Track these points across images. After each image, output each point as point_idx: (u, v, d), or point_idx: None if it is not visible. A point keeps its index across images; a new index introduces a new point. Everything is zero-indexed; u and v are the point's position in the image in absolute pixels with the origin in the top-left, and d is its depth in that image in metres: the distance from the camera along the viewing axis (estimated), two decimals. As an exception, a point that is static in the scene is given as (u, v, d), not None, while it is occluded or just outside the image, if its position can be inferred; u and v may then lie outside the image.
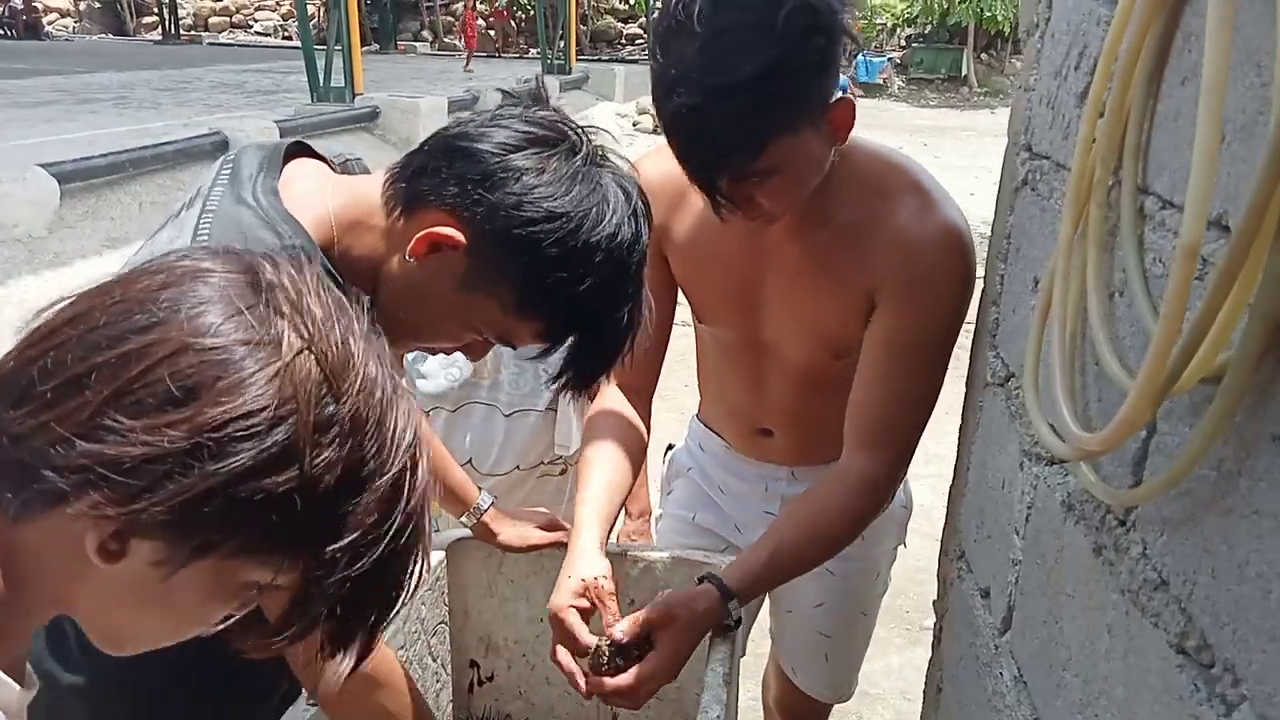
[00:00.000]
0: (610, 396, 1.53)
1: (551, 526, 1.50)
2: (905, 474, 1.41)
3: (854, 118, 1.20)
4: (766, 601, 1.85)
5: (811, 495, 1.38)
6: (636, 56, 21.90)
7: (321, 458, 0.57)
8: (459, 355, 1.93)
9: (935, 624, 1.47)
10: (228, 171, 1.01)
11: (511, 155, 0.92)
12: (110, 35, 27.85)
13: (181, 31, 26.89)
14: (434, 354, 1.27)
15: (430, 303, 0.93)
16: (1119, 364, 0.77)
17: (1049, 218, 1.04)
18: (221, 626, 0.64)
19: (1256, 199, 0.49)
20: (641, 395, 1.56)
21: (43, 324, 0.60)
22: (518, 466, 1.89)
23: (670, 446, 2.00)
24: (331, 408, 0.58)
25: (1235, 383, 0.56)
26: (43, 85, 12.52)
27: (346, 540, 0.59)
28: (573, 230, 0.91)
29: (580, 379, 1.02)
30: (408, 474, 0.62)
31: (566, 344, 1.00)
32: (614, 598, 1.29)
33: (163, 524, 0.55)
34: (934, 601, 1.49)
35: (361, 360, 0.61)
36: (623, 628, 1.24)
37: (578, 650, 1.26)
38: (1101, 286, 0.83)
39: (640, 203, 0.98)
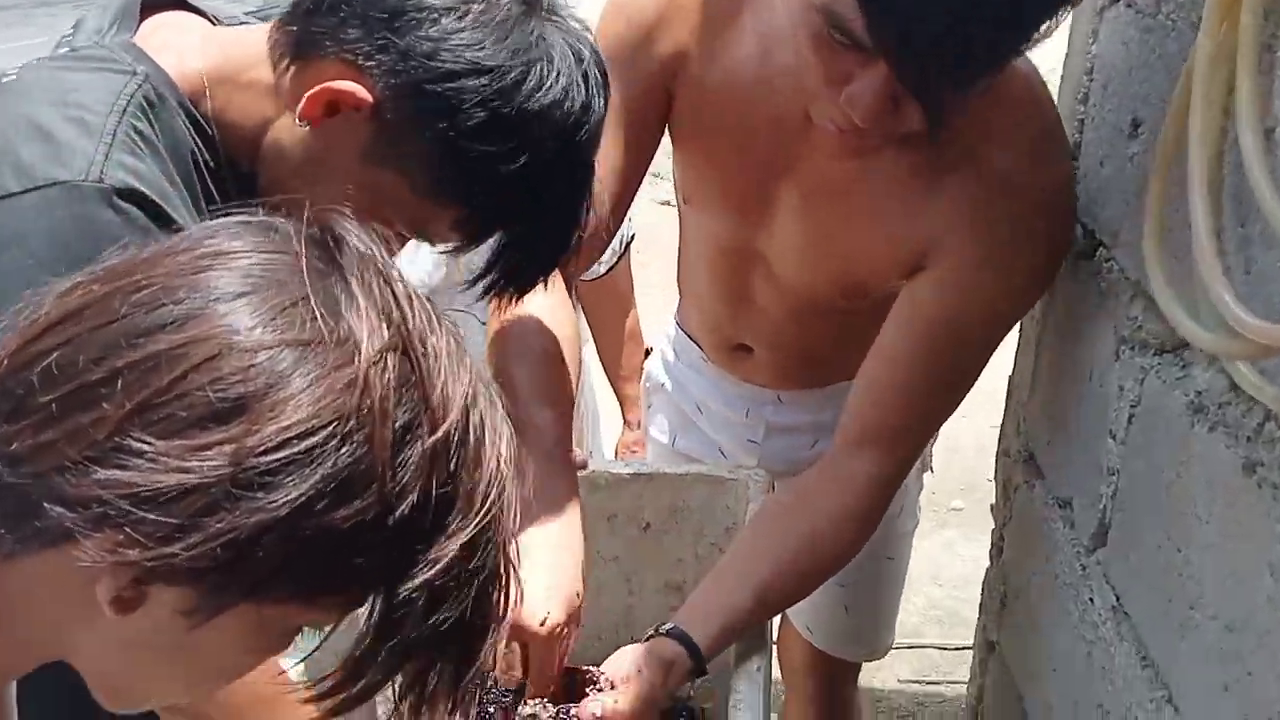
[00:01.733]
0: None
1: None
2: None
3: None
4: None
5: (806, 505, 1.01)
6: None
7: (400, 483, 0.46)
8: (423, 252, 1.72)
9: (994, 531, 1.30)
10: (70, 33, 0.79)
11: None
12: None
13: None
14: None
15: (326, 181, 0.72)
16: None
17: (1155, 38, 0.81)
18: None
19: None
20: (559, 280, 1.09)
21: (43, 314, 0.47)
22: None
23: (648, 351, 1.75)
24: (414, 421, 0.47)
25: None
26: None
27: (424, 578, 0.47)
28: (504, 90, 0.71)
29: (508, 283, 0.82)
30: (500, 497, 0.50)
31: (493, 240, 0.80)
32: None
33: (197, 569, 0.44)
34: (991, 506, 1.32)
35: (449, 359, 0.49)
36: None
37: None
38: (1255, 119, 0.62)
39: (596, 69, 0.76)
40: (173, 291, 0.46)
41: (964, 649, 2.69)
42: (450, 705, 0.53)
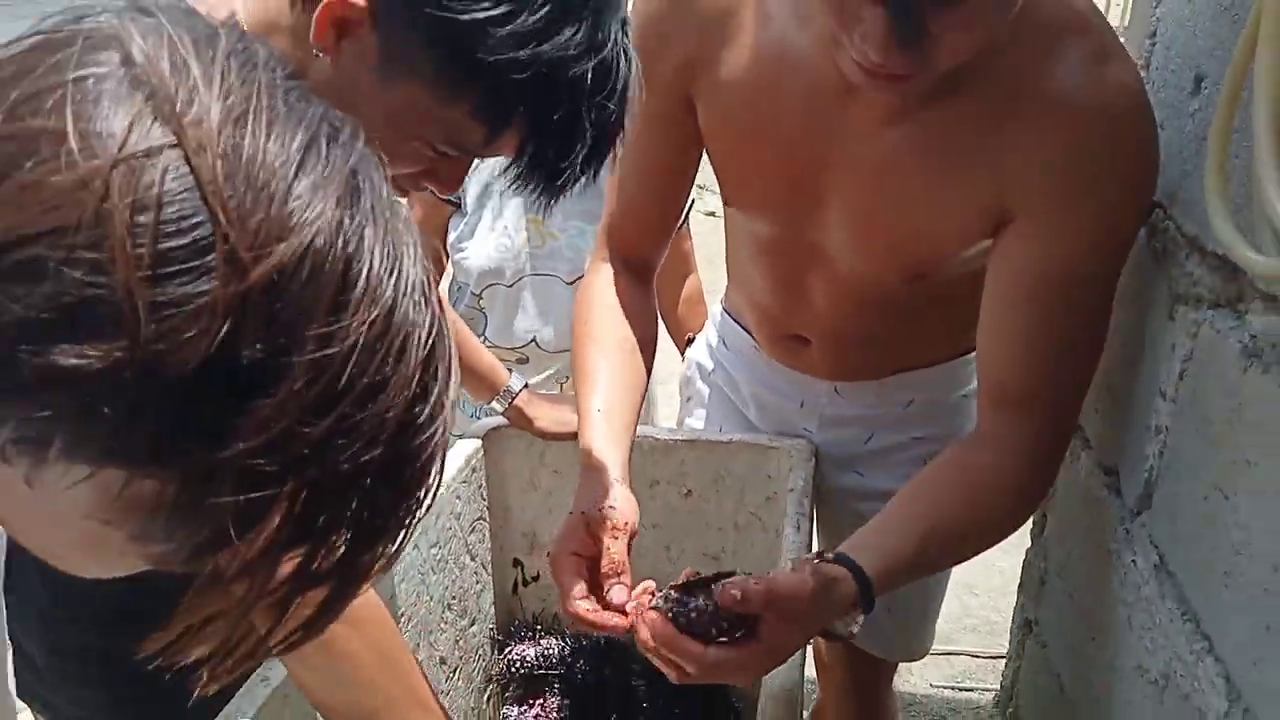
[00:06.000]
0: (602, 272, 1.13)
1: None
2: (1069, 440, 0.97)
3: None
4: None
5: (962, 465, 0.94)
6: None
7: (168, 324, 0.35)
8: (507, 222, 1.76)
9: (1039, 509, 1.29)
10: None
11: None
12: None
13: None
14: (402, 192, 0.94)
15: (360, 111, 0.72)
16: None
17: (1220, -7, 0.82)
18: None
19: None
20: (640, 271, 1.15)
21: None
22: None
23: (690, 339, 1.73)
24: (199, 243, 0.36)
25: None
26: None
27: (239, 450, 0.37)
28: None
29: (539, 173, 0.77)
30: (369, 364, 0.39)
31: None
32: (622, 536, 0.90)
33: None
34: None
35: (290, 176, 0.38)
36: (741, 594, 0.80)
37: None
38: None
39: None
40: None
41: (999, 657, 2.67)
42: (317, 611, 0.44)
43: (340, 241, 0.38)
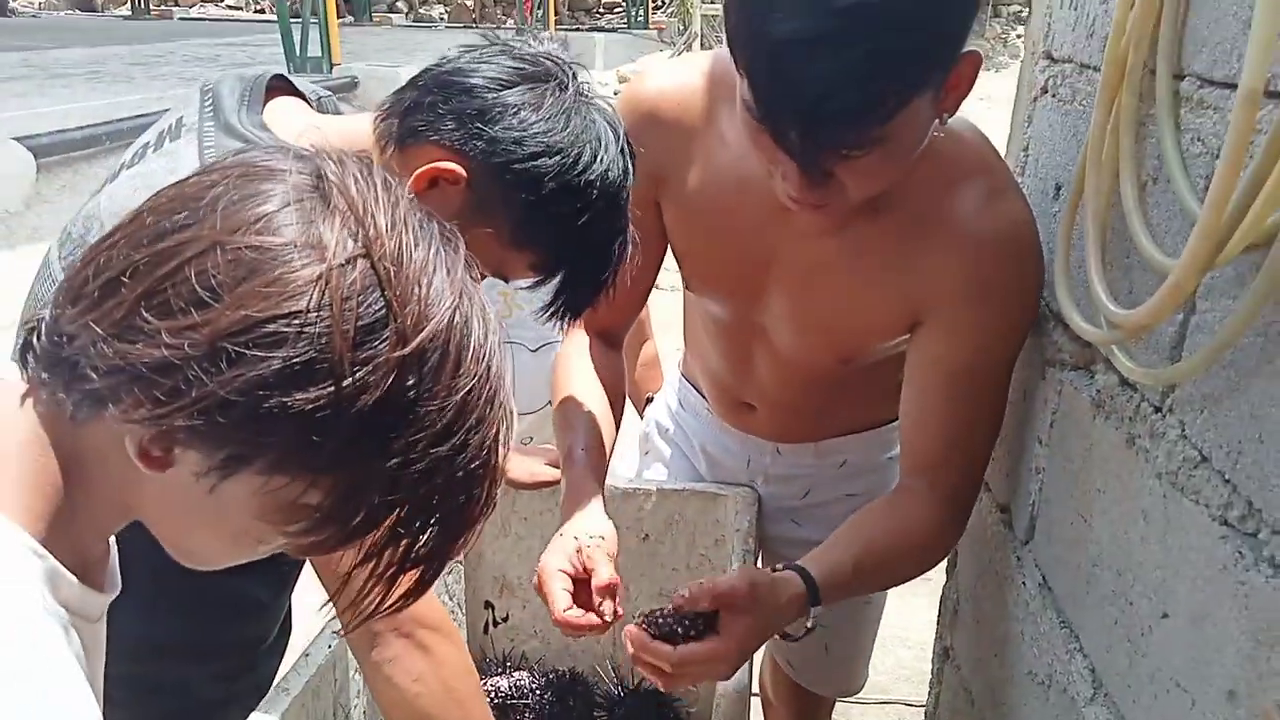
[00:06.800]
0: (579, 339, 1.33)
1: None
2: (976, 497, 1.15)
3: (974, 81, 0.90)
4: None
5: (889, 506, 1.12)
6: (616, 24, 21.71)
7: (360, 376, 0.52)
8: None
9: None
10: (210, 104, 0.99)
11: (505, 91, 0.93)
12: (78, 11, 27.29)
13: (151, 6, 26.44)
14: None
15: None
16: (1155, 248, 0.77)
17: (1071, 120, 1.03)
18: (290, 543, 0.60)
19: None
20: (613, 341, 1.36)
21: (115, 224, 0.58)
22: (549, 402, 1.86)
23: (649, 398, 1.90)
24: (379, 322, 0.53)
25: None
26: (11, 61, 12.26)
27: (392, 464, 0.54)
28: (570, 164, 0.92)
29: (570, 309, 1.02)
30: (476, 404, 0.56)
31: (559, 276, 1.00)
32: (610, 561, 1.06)
33: (196, 433, 0.52)
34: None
35: (430, 275, 0.55)
36: (689, 593, 0.97)
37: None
38: (1133, 175, 0.83)
39: (626, 141, 0.97)
40: (187, 201, 0.55)
41: (930, 704, 2.83)
42: (413, 585, 0.61)
43: (458, 318, 0.56)
